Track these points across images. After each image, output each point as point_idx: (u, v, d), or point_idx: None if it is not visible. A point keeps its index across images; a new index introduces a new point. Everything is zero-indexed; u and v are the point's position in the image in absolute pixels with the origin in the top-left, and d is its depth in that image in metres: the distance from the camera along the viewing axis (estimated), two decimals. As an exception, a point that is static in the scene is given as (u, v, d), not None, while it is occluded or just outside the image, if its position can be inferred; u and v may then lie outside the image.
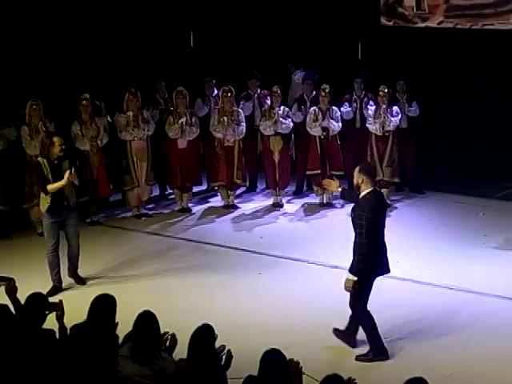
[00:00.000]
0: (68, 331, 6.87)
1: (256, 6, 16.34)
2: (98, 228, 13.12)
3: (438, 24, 15.38)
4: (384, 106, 13.55)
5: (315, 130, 13.77)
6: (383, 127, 13.62)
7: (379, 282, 10.67)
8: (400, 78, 14.53)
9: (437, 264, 11.37)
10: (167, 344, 6.63)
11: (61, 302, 7.04)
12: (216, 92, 14.53)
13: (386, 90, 13.58)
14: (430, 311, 9.93)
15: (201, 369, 6.07)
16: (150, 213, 13.85)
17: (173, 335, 6.65)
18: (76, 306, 7.76)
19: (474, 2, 14.92)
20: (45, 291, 7.92)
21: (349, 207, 13.77)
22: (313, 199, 14.38)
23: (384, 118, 13.54)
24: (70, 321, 6.93)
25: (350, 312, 8.96)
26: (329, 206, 14.09)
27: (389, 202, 13.95)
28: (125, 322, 6.85)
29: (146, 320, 6.45)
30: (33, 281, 9.86)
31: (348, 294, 8.73)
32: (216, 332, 6.37)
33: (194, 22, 16.67)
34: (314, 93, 14.33)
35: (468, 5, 14.99)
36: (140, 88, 13.64)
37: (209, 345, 6.24)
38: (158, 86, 14.38)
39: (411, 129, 14.36)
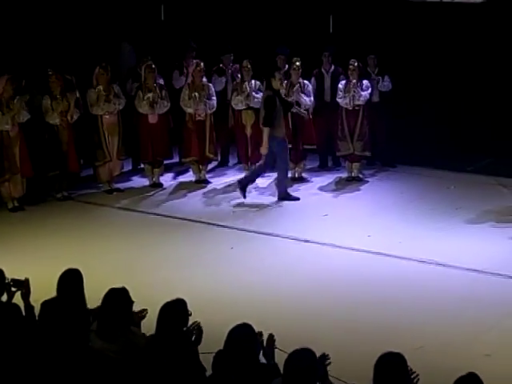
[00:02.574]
0: (38, 308, 6.82)
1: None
2: (69, 203, 13.10)
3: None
4: (354, 81, 13.55)
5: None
6: (353, 101, 13.64)
7: (351, 257, 10.82)
8: (372, 51, 14.50)
9: (408, 237, 11.43)
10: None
11: (27, 280, 6.93)
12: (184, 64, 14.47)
13: (356, 64, 13.58)
14: (400, 284, 9.98)
15: (170, 343, 6.09)
16: (122, 188, 13.81)
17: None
18: (44, 282, 7.68)
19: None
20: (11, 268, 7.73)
21: (321, 182, 13.99)
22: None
23: (354, 92, 13.56)
24: (39, 297, 6.87)
25: (321, 285, 9.04)
26: (300, 180, 14.14)
27: (361, 176, 14.07)
28: (96, 297, 6.82)
29: (114, 297, 6.39)
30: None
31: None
32: (189, 307, 6.40)
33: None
34: (287, 67, 14.32)
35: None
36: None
37: (181, 319, 6.25)
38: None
39: (383, 103, 14.38)
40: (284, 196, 13.16)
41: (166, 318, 6.22)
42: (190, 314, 6.34)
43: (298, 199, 13.16)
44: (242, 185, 13.10)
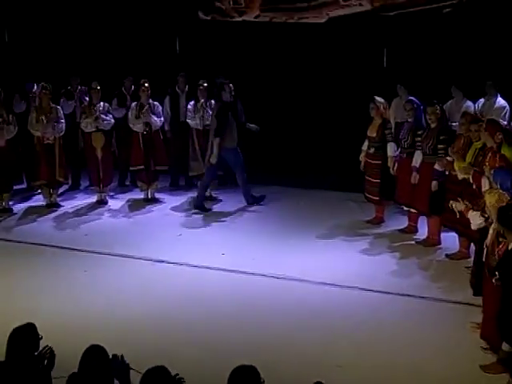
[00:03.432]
0: None
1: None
2: None
3: (255, 18, 15.65)
4: (202, 100, 13.67)
5: (138, 127, 13.78)
6: (203, 121, 13.75)
7: (207, 275, 10.88)
8: (222, 72, 14.59)
9: (260, 254, 11.58)
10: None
11: None
12: (35, 89, 14.28)
13: (206, 85, 13.70)
14: (255, 299, 10.11)
15: (22, 368, 6.01)
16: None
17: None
18: None
19: (289, -4, 15.32)
20: None
21: (174, 202, 14.02)
22: (137, 195, 14.36)
23: (203, 112, 13.69)
24: None
25: (176, 305, 9.07)
26: (154, 201, 14.14)
27: (213, 195, 14.16)
28: None
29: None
30: None
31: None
32: (39, 332, 6.33)
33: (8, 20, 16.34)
34: (133, 87, 14.36)
35: (282, -1, 15.38)
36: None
37: (32, 343, 6.18)
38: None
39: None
40: (253, 201, 13.86)
41: (16, 342, 6.14)
42: (41, 338, 6.29)
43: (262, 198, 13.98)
44: (197, 205, 13.64)
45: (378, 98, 12.39)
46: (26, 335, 6.19)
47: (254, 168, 14.97)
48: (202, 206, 13.63)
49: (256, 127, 14.05)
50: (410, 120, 12.08)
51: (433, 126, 11.57)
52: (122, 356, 6.24)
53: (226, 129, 13.22)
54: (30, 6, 16.26)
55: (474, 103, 12.73)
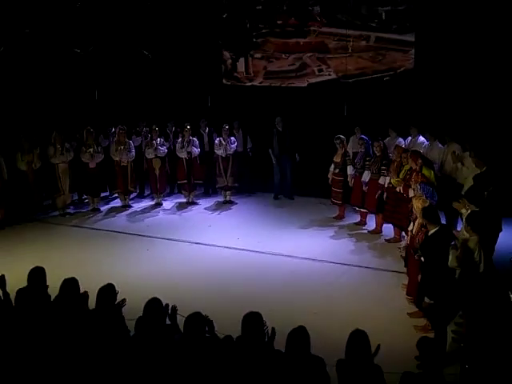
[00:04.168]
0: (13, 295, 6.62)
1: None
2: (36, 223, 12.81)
3: (260, 83, 15.66)
4: (225, 137, 13.67)
5: (182, 154, 13.76)
6: (226, 151, 13.74)
7: (228, 253, 10.82)
8: (238, 119, 14.57)
9: (264, 239, 11.52)
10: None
11: (2, 275, 6.67)
12: (113, 130, 14.25)
13: (227, 127, 13.70)
14: (261, 269, 10.08)
15: (106, 314, 6.04)
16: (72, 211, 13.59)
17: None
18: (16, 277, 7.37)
19: (282, 68, 15.28)
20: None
21: (206, 204, 13.99)
22: (182, 199, 14.32)
23: (226, 145, 13.69)
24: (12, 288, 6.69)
25: (210, 272, 9.01)
26: (193, 203, 14.08)
27: (232, 200, 14.11)
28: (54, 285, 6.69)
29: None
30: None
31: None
32: (117, 289, 6.34)
33: (98, 82, 16.35)
34: (174, 128, 14.47)
35: (278, 70, 15.34)
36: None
37: (111, 297, 6.20)
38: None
39: (245, 153, 14.49)
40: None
41: (102, 296, 6.18)
42: (118, 292, 6.30)
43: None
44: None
45: (341, 136, 12.39)
46: (108, 291, 6.21)
47: (261, 180, 15.00)
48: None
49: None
50: (362, 150, 12.07)
51: (378, 154, 11.55)
52: (171, 305, 6.26)
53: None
54: (119, 71, 16.14)
55: (404, 140, 12.70)
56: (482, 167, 9.70)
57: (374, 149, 11.64)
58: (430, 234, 7.45)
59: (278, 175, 14.31)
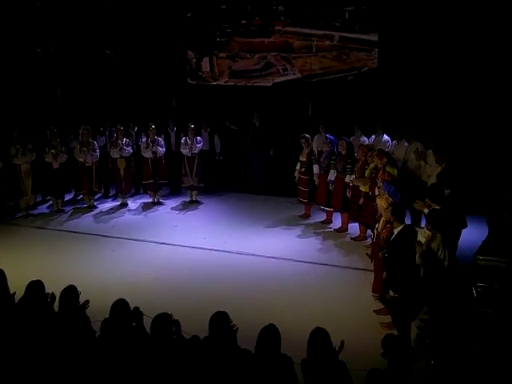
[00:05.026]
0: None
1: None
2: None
3: (225, 83, 15.62)
4: (191, 137, 13.60)
5: (147, 154, 13.67)
6: (191, 151, 13.67)
7: (194, 253, 10.78)
8: (205, 117, 14.56)
9: (230, 238, 11.51)
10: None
11: None
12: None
13: (193, 126, 13.63)
14: (227, 268, 10.05)
15: (71, 316, 5.96)
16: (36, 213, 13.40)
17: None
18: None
19: (247, 68, 15.27)
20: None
21: (172, 204, 13.91)
22: (147, 199, 14.22)
23: (191, 145, 13.62)
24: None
25: (173, 272, 8.95)
26: (158, 203, 13.99)
27: (198, 200, 14.05)
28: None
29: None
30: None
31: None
32: (80, 290, 6.27)
33: (61, 81, 16.15)
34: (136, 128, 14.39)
35: (243, 70, 15.33)
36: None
37: (73, 298, 6.13)
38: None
39: (211, 151, 14.48)
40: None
41: (64, 298, 6.10)
42: (80, 293, 6.23)
43: None
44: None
45: (306, 135, 12.41)
46: (70, 293, 6.14)
47: (226, 180, 14.98)
48: None
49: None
50: (327, 149, 12.10)
51: (343, 153, 11.60)
52: (137, 307, 6.20)
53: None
54: (82, 71, 16.01)
55: (368, 138, 12.80)
56: (442, 164, 9.83)
57: (339, 147, 11.69)
58: (395, 231, 7.51)
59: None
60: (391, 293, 7.31)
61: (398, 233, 7.42)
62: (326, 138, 12.27)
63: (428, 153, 10.96)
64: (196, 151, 13.65)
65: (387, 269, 7.59)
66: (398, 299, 7.22)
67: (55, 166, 13.16)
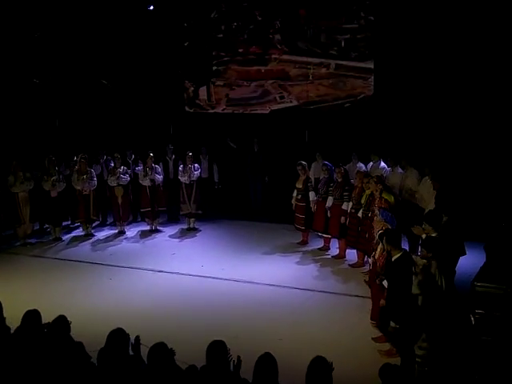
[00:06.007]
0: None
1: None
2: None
3: (222, 110, 15.73)
4: (189, 165, 13.64)
5: (145, 182, 13.70)
6: (190, 178, 13.69)
7: (192, 280, 10.75)
8: (203, 145, 14.65)
9: (228, 265, 11.49)
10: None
11: None
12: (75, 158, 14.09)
13: (191, 154, 13.68)
14: (225, 296, 10.02)
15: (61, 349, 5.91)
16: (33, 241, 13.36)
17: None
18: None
19: (244, 96, 15.39)
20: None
21: (170, 231, 13.90)
22: (145, 227, 14.22)
23: (189, 173, 13.66)
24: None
25: (171, 300, 8.90)
26: (156, 231, 13.98)
27: (196, 227, 14.04)
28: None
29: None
30: None
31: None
32: (73, 319, 6.21)
33: (59, 111, 16.22)
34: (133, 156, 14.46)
35: (240, 98, 15.46)
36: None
37: (64, 331, 6.08)
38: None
39: (210, 178, 14.52)
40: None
41: (54, 328, 6.07)
42: (71, 323, 6.17)
43: None
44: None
45: (302, 162, 12.45)
46: (61, 322, 6.09)
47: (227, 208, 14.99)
48: None
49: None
50: (325, 176, 12.13)
51: (339, 180, 11.64)
52: (135, 335, 6.16)
53: None
54: (80, 101, 16.10)
55: (366, 165, 12.86)
56: (437, 189, 9.87)
57: (336, 175, 11.72)
58: (393, 259, 7.49)
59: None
60: (392, 324, 7.27)
61: (397, 260, 7.40)
62: (325, 164, 12.31)
63: (424, 179, 10.99)
64: (194, 178, 13.67)
65: (387, 298, 7.55)
66: (399, 329, 7.18)
67: (53, 194, 13.18)
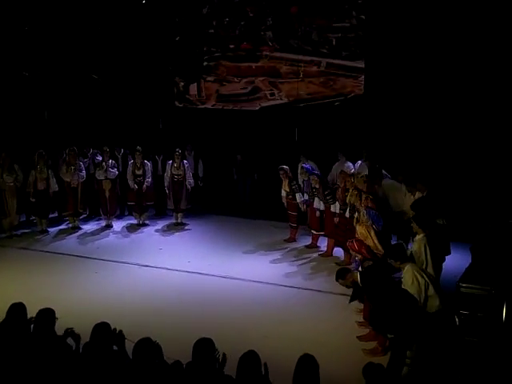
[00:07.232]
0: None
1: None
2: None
3: (212, 106, 15.67)
4: (177, 161, 13.55)
5: (131, 183, 13.66)
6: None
7: (178, 276, 10.73)
8: (191, 141, 14.61)
9: (214, 261, 11.46)
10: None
11: None
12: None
13: (180, 151, 13.57)
14: (210, 293, 10.01)
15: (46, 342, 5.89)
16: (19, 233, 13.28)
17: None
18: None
19: (234, 92, 15.33)
20: None
21: (157, 226, 13.85)
22: (132, 221, 14.17)
23: (178, 170, 13.57)
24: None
25: (157, 295, 8.89)
26: (144, 225, 13.94)
27: (183, 222, 14.00)
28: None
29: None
30: None
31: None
32: (60, 312, 6.18)
33: (48, 103, 16.12)
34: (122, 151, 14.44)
35: (230, 94, 15.39)
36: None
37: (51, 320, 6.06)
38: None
39: (195, 175, 14.41)
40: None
41: (39, 321, 6.03)
42: (57, 319, 6.14)
43: None
44: None
45: (284, 167, 12.40)
46: (48, 315, 6.07)
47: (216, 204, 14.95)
48: None
49: None
50: (305, 179, 12.09)
51: (317, 186, 11.64)
52: (119, 330, 6.13)
53: None
54: (69, 95, 16.00)
55: (354, 164, 12.86)
56: (424, 192, 9.88)
57: (312, 183, 11.72)
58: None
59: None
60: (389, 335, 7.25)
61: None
62: (302, 167, 12.28)
63: (398, 186, 10.94)
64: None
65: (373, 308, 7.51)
66: (395, 338, 7.16)
67: (40, 187, 13.09)
